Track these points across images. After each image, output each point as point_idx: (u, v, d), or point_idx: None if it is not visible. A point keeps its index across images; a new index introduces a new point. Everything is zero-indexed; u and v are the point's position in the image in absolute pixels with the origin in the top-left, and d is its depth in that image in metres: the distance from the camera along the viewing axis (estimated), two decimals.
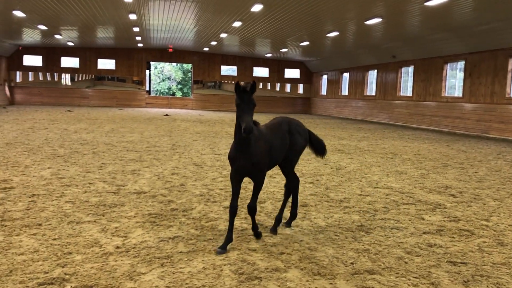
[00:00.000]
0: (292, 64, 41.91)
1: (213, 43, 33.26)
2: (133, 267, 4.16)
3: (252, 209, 4.81)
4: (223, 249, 4.64)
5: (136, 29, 28.09)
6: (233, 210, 4.71)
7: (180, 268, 4.19)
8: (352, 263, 4.50)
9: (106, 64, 39.53)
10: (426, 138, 19.37)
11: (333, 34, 24.68)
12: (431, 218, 6.34)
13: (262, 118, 29.52)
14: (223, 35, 28.65)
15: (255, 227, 5.03)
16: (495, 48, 20.33)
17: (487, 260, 4.71)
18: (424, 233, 5.61)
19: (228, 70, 44.01)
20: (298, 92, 43.18)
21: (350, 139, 17.77)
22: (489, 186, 8.90)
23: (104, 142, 13.46)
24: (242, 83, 4.54)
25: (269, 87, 42.87)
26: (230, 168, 9.80)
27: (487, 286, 4.06)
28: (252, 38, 30.06)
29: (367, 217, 6.26)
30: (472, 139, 19.63)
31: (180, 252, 4.60)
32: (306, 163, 10.81)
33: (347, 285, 3.98)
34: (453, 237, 5.47)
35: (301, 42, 29.69)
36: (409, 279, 4.15)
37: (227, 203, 6.74)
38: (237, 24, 24.03)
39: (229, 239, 4.72)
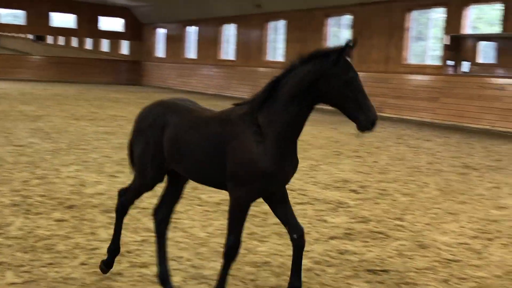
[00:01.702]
0: (112, 11, 41.37)
1: None
2: None
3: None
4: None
5: None
6: (236, 251, 4.25)
7: None
8: (252, 280, 5.09)
9: None
10: (310, 120, 20.95)
11: None
12: (335, 219, 7.24)
13: (71, 93, 29.01)
14: None
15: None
16: None
17: (410, 266, 5.66)
18: (331, 238, 6.44)
19: (9, 15, 41.92)
20: (122, 52, 42.92)
21: None
22: (395, 178, 10.26)
23: None
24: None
25: (75, 44, 41.94)
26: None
27: None
28: None
29: (257, 222, 6.91)
30: None
31: (12, 284, 4.70)
32: None
33: None
34: (366, 241, 6.39)
35: None
36: None
37: (58, 214, 6.87)
38: None
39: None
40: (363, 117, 3.83)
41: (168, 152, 4.44)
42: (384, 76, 23.34)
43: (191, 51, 37.30)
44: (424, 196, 8.94)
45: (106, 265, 4.91)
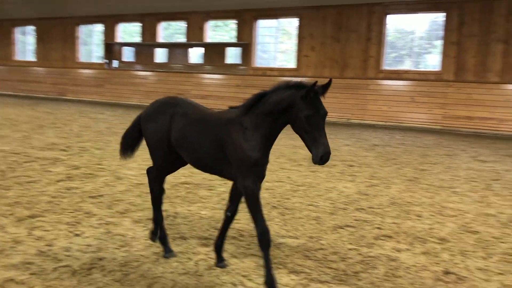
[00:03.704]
0: None
1: None
2: None
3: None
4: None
5: None
6: (268, 236, 3.43)
7: None
8: (11, 214, 4.96)
9: None
10: (7, 103, 18.97)
11: None
12: (57, 169, 7.20)
13: None
14: None
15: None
16: (64, 16, 21.73)
17: (116, 190, 6.12)
18: (58, 181, 6.47)
19: None
20: None
21: None
22: (88, 139, 10.34)
23: None
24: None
25: None
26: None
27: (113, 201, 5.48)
28: None
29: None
30: (52, 102, 20.61)
31: None
32: None
33: (19, 229, 4.53)
34: (83, 180, 6.60)
35: None
36: (68, 214, 5.06)
37: None
38: None
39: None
40: (314, 153, 3.19)
41: (175, 138, 3.79)
42: (64, 70, 22.26)
43: None
44: (110, 149, 9.27)
45: (154, 234, 4.19)
